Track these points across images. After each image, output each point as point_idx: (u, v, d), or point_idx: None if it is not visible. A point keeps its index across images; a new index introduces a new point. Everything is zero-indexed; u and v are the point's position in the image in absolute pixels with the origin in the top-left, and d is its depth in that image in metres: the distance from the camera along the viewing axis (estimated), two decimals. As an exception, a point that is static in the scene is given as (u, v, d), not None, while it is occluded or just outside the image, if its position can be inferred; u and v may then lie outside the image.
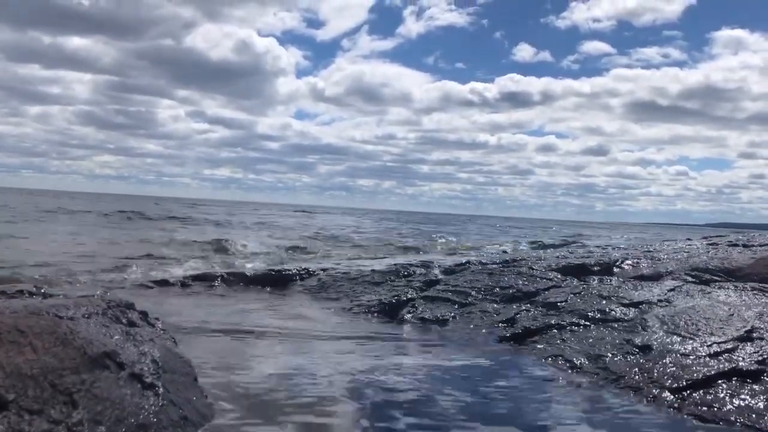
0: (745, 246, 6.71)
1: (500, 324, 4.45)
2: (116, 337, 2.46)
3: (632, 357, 3.58)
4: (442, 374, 3.42)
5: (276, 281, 6.57)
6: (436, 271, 6.31)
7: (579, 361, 3.66)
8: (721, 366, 3.23)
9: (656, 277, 5.62)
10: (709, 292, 4.67)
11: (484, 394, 3.08)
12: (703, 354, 3.41)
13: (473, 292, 5.28)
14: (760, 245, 6.63)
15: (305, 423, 2.55)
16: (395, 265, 6.87)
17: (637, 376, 3.35)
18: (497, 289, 5.32)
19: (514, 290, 5.24)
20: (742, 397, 2.94)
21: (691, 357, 3.40)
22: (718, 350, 3.42)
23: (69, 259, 8.53)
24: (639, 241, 18.60)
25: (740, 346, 3.44)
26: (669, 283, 5.12)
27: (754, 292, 4.62)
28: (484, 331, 4.39)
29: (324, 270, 6.86)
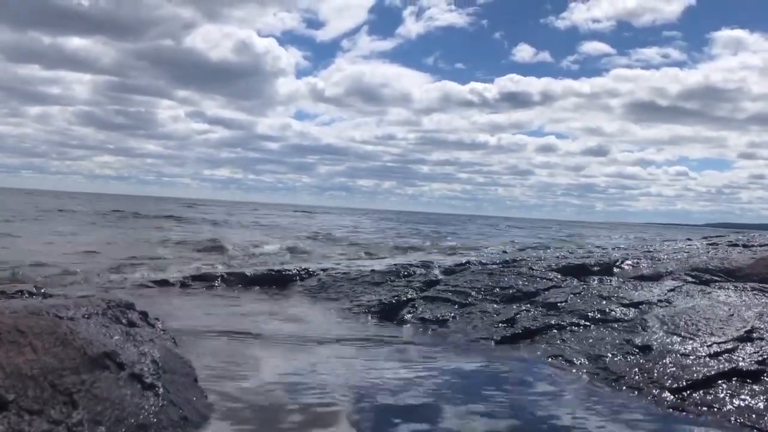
0: (745, 246, 6.71)
1: (500, 324, 4.45)
2: (116, 337, 2.46)
3: (632, 357, 3.58)
4: (442, 377, 3.41)
5: (276, 281, 6.56)
6: (436, 272, 6.31)
7: (579, 362, 3.66)
8: (721, 366, 3.23)
9: (656, 278, 5.62)
10: (709, 293, 4.67)
11: (486, 397, 3.08)
12: (703, 354, 3.41)
13: (473, 293, 5.28)
14: (760, 245, 6.63)
15: (304, 427, 2.55)
16: (395, 265, 6.87)
17: (637, 377, 3.35)
18: (497, 289, 5.32)
19: (514, 290, 5.24)
20: (742, 397, 2.94)
21: (691, 357, 3.40)
22: (718, 350, 3.42)
23: (67, 260, 8.52)
24: (638, 241, 18.61)
25: (740, 347, 3.45)
26: (669, 284, 5.12)
27: (754, 292, 4.62)
28: (484, 331, 4.39)
29: (324, 270, 6.85)
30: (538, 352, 3.90)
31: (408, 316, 4.92)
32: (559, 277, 5.61)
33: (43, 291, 5.11)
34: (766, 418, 2.75)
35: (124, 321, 2.67)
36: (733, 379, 3.11)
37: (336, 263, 7.91)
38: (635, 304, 4.45)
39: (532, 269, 5.92)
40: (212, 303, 5.54)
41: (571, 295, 4.87)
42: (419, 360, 3.76)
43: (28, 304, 2.62)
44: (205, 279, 6.58)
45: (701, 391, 3.05)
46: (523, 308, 4.74)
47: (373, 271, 6.55)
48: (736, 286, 4.85)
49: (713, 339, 3.60)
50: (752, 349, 3.41)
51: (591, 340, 3.94)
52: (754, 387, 3.02)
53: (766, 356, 3.28)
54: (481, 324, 4.54)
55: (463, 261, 7.02)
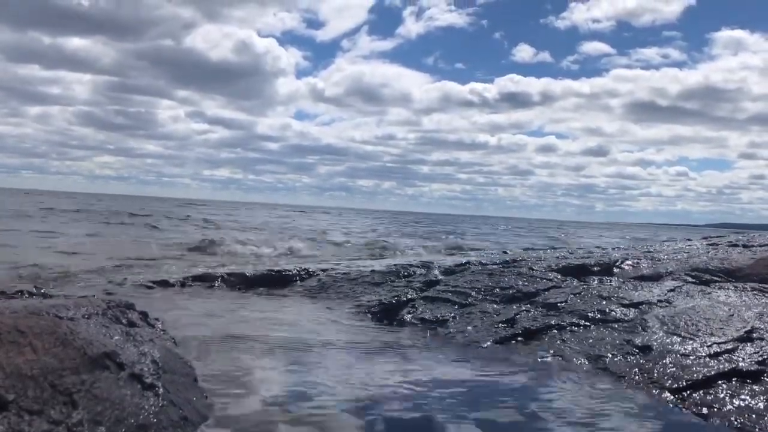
0: (745, 246, 6.71)
1: (500, 324, 4.45)
2: (116, 337, 2.46)
3: (632, 357, 3.59)
4: (443, 381, 3.40)
5: (276, 282, 6.56)
6: (436, 272, 6.30)
7: (579, 362, 3.66)
8: (721, 366, 3.23)
9: (656, 278, 5.62)
10: (709, 293, 4.67)
11: (487, 400, 3.08)
12: (703, 354, 3.41)
13: (473, 293, 5.28)
14: (760, 246, 6.63)
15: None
16: (395, 265, 6.87)
17: (637, 377, 3.35)
18: (497, 289, 5.31)
19: (514, 291, 5.24)
20: (742, 397, 2.94)
21: (691, 357, 3.40)
22: (718, 350, 3.42)
23: (65, 260, 8.53)
24: (632, 241, 18.61)
25: (740, 347, 3.45)
26: (669, 284, 5.12)
27: (754, 292, 4.62)
28: (484, 332, 4.39)
29: (324, 270, 6.85)
30: (538, 353, 3.90)
31: (408, 317, 4.92)
32: (559, 277, 5.61)
33: (43, 291, 5.12)
34: (766, 418, 2.75)
35: (124, 321, 2.67)
36: (733, 379, 3.11)
37: (336, 263, 7.91)
38: (635, 305, 4.45)
39: (532, 269, 5.92)
40: (212, 304, 5.54)
41: (571, 296, 4.87)
42: (419, 363, 3.75)
43: (28, 304, 2.62)
44: (205, 279, 6.58)
45: (701, 392, 3.05)
46: (523, 308, 4.74)
47: (373, 271, 6.54)
48: (736, 287, 4.85)
49: (713, 339, 3.60)
50: (752, 349, 3.41)
51: (591, 341, 3.94)
52: (754, 387, 3.02)
53: (766, 356, 3.28)
54: (481, 324, 4.54)
55: (463, 261, 7.02)
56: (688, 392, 3.06)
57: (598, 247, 10.01)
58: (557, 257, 7.05)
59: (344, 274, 6.62)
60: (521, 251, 10.09)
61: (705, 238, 9.25)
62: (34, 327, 2.15)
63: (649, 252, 7.15)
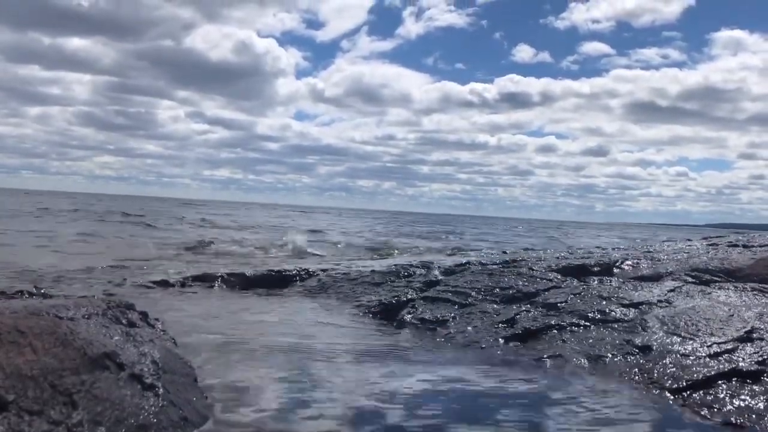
0: (744, 246, 6.71)
1: (500, 324, 4.45)
2: (116, 337, 2.46)
3: (632, 357, 3.59)
4: (444, 382, 3.39)
5: (276, 282, 6.56)
6: (436, 272, 6.30)
7: (579, 362, 3.65)
8: (721, 366, 3.23)
9: (656, 278, 5.62)
10: (709, 293, 4.67)
11: (487, 401, 3.08)
12: (703, 354, 3.41)
13: (473, 293, 5.28)
14: (760, 246, 6.63)
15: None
16: (395, 265, 6.86)
17: (637, 377, 3.35)
18: (497, 289, 5.31)
19: (514, 291, 5.24)
20: (743, 397, 2.94)
21: (691, 357, 3.40)
22: (718, 351, 3.42)
23: (61, 260, 8.52)
24: (634, 241, 18.61)
25: (740, 347, 3.45)
26: (669, 284, 5.12)
27: (754, 292, 4.62)
28: (484, 332, 4.38)
29: (324, 270, 6.85)
30: (538, 353, 3.89)
31: (408, 317, 4.92)
32: (559, 277, 5.61)
33: (43, 291, 5.12)
34: (766, 418, 2.75)
35: (124, 321, 2.67)
36: (733, 379, 3.11)
37: (336, 263, 7.91)
38: (635, 305, 4.45)
39: (532, 270, 5.92)
40: (211, 304, 5.54)
41: (571, 296, 4.87)
42: (419, 365, 3.74)
43: (28, 304, 2.62)
44: (205, 279, 6.58)
45: (701, 392, 3.05)
46: (523, 309, 4.74)
47: (373, 271, 6.54)
48: (736, 287, 4.85)
49: (713, 339, 3.60)
50: (752, 349, 3.41)
51: (591, 341, 3.94)
52: (754, 387, 3.02)
53: (766, 356, 3.28)
54: (481, 324, 4.54)
55: (463, 261, 7.02)
56: (689, 392, 3.06)
57: (598, 247, 10.01)
58: (557, 257, 7.05)
59: (344, 274, 6.62)
60: (521, 251, 10.09)
61: (705, 238, 9.25)
62: (34, 327, 2.15)
63: (649, 252, 7.15)
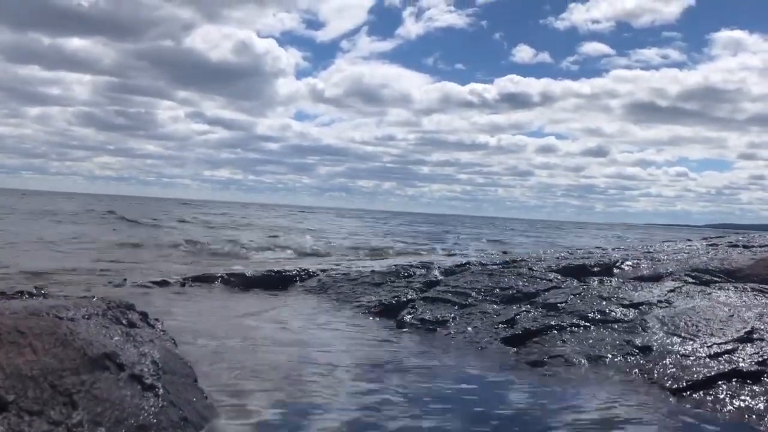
0: (744, 247, 6.71)
1: (500, 325, 4.45)
2: (116, 338, 2.46)
3: (632, 358, 3.58)
4: (443, 383, 3.40)
5: (276, 282, 6.56)
6: (436, 272, 6.30)
7: (579, 362, 3.65)
8: (721, 367, 3.23)
9: (656, 278, 5.62)
10: (709, 293, 4.67)
11: (487, 402, 3.08)
12: (703, 355, 3.41)
13: (473, 293, 5.28)
14: (760, 246, 6.63)
15: None
16: (395, 265, 6.87)
17: (637, 377, 3.35)
18: (497, 290, 5.31)
19: (514, 291, 5.24)
20: (743, 398, 2.94)
21: (691, 358, 3.40)
22: (718, 351, 3.42)
23: (64, 260, 8.52)
24: (634, 242, 18.60)
25: (740, 347, 3.45)
26: (669, 284, 5.12)
27: (754, 293, 4.62)
28: (484, 332, 4.38)
29: (324, 271, 6.85)
30: (538, 353, 3.89)
31: (408, 317, 4.92)
32: (559, 277, 5.60)
33: (43, 292, 5.11)
34: (766, 419, 2.75)
35: (124, 322, 2.66)
36: (734, 379, 3.11)
37: (336, 263, 7.91)
38: (635, 305, 4.45)
39: (532, 270, 5.92)
40: (211, 304, 5.54)
41: (571, 296, 4.87)
42: (420, 366, 3.74)
43: (28, 304, 2.62)
44: (205, 279, 6.59)
45: (701, 392, 3.05)
46: (523, 309, 4.74)
47: (373, 271, 6.54)
48: (736, 287, 4.85)
49: (713, 340, 3.59)
50: (752, 349, 3.41)
51: (591, 341, 3.94)
52: (755, 388, 3.02)
53: (766, 357, 3.28)
54: (481, 325, 4.54)
55: (463, 262, 7.02)
56: (689, 393, 3.06)
57: (598, 247, 10.00)
58: (557, 258, 7.05)
59: (344, 274, 6.62)
60: (521, 251, 10.10)
61: (705, 238, 9.25)
62: (34, 328, 2.14)
63: (649, 252, 7.15)
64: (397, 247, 14.05)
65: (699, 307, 4.21)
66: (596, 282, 5.39)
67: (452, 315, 4.85)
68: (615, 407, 2.94)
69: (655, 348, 3.61)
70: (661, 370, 3.34)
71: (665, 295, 4.68)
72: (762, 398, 2.91)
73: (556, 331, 4.19)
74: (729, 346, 3.46)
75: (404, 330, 4.68)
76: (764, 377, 3.10)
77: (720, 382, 3.09)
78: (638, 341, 3.74)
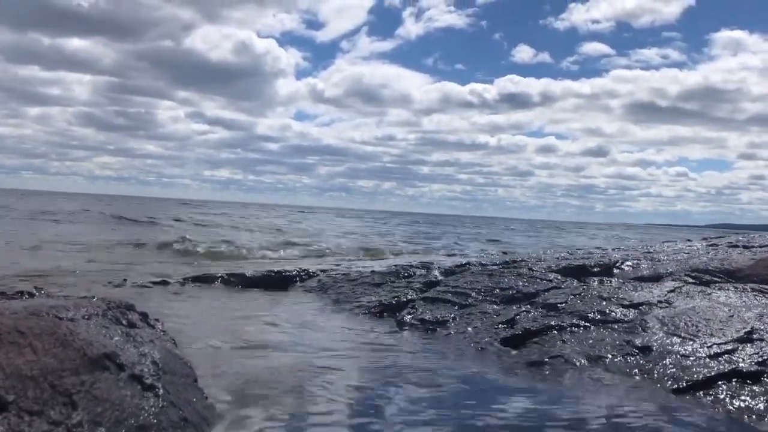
0: (745, 247, 6.71)
1: (500, 325, 4.45)
2: (116, 338, 2.46)
3: (632, 358, 3.58)
4: (443, 383, 3.40)
5: (276, 282, 6.57)
6: (436, 272, 6.30)
7: (579, 362, 3.65)
8: (721, 367, 3.23)
9: (656, 278, 5.62)
10: (709, 293, 4.67)
11: (488, 402, 3.08)
12: (703, 355, 3.41)
13: (473, 294, 5.28)
14: (760, 246, 6.63)
15: None
16: (395, 266, 6.87)
17: (637, 377, 3.35)
18: (497, 290, 5.31)
19: (514, 291, 5.24)
20: (743, 398, 2.94)
21: (691, 358, 3.40)
22: (718, 351, 3.42)
23: (64, 260, 8.52)
24: (634, 242, 18.60)
25: (740, 348, 3.45)
26: (669, 284, 5.12)
27: (754, 293, 4.62)
28: (484, 332, 4.38)
29: (323, 271, 6.86)
30: (538, 354, 3.89)
31: (408, 318, 4.92)
32: (559, 278, 5.61)
33: (43, 292, 5.12)
34: (766, 419, 2.75)
35: (124, 322, 2.66)
36: (734, 380, 3.11)
37: (336, 264, 7.92)
38: (635, 305, 4.45)
39: (532, 270, 5.92)
40: (211, 304, 5.54)
41: (571, 296, 4.87)
42: (420, 366, 3.75)
43: (28, 304, 2.61)
44: (205, 280, 6.59)
45: (701, 392, 3.05)
46: (523, 309, 4.74)
47: (373, 271, 6.55)
48: (736, 287, 4.85)
49: (713, 340, 3.59)
50: (752, 350, 3.41)
51: (591, 341, 3.94)
52: (755, 388, 3.02)
53: (766, 357, 3.28)
54: (481, 325, 4.54)
55: (463, 262, 7.02)
56: (689, 393, 3.06)
57: (597, 247, 10.01)
58: (557, 258, 7.06)
59: (344, 274, 6.62)
60: (521, 251, 10.10)
61: (705, 238, 9.25)
62: (34, 328, 2.14)
63: (649, 253, 7.15)
64: (397, 248, 14.06)
65: (699, 308, 4.21)
66: (596, 282, 5.39)
67: (452, 315, 4.85)
68: (615, 408, 2.94)
69: (655, 348, 3.61)
70: (661, 370, 3.34)
71: (665, 295, 4.68)
72: (762, 398, 2.91)
73: (556, 332, 4.19)
74: (729, 347, 3.46)
75: (404, 330, 4.68)
76: (764, 377, 3.10)
77: (720, 383, 3.10)
78: (638, 341, 3.74)
